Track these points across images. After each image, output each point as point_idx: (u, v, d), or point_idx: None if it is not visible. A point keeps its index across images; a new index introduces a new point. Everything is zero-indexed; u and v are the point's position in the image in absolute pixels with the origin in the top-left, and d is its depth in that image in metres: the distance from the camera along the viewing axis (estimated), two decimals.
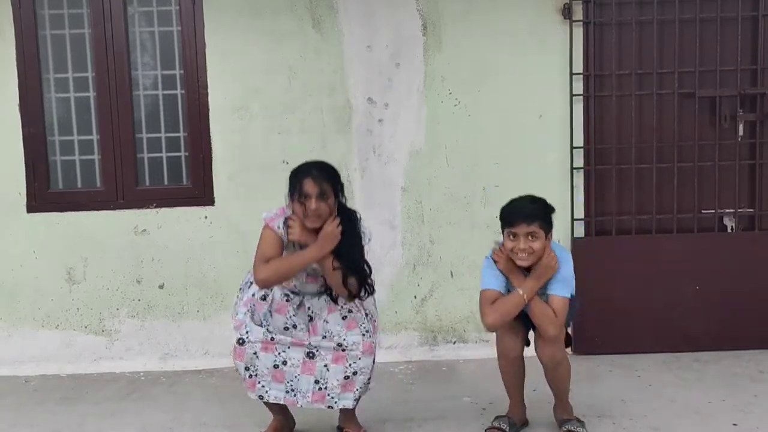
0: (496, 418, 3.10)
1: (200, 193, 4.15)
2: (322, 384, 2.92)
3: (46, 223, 4.14)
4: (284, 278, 2.92)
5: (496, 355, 3.06)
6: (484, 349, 3.95)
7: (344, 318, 2.98)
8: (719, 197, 4.14)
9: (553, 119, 4.10)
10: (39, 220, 4.14)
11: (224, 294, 4.14)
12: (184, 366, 4.15)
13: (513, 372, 3.04)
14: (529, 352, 3.01)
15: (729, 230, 4.20)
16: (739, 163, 4.12)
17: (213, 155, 4.13)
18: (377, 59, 4.10)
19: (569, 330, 3.01)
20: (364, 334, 2.95)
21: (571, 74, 4.04)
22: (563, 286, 2.90)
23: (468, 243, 4.12)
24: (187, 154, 4.18)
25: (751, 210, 4.18)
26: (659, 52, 4.09)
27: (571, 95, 4.05)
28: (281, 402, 2.97)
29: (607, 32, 4.10)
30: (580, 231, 4.13)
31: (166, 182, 4.20)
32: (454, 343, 4.23)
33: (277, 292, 2.99)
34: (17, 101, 4.09)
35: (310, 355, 2.94)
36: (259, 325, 2.94)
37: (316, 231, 2.88)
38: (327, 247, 2.85)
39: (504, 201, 2.99)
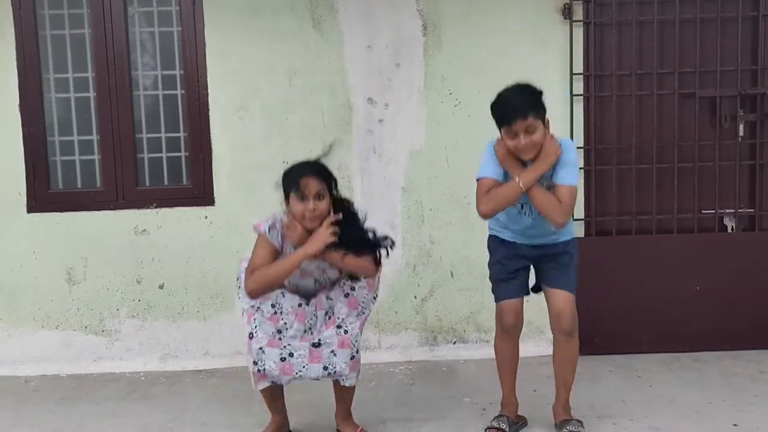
0: (496, 417, 3.10)
1: (200, 193, 4.15)
2: (331, 369, 2.93)
3: (46, 223, 4.14)
4: (274, 285, 2.89)
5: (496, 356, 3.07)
6: (484, 350, 3.95)
7: (347, 296, 2.99)
8: (719, 197, 4.14)
9: (553, 119, 4.06)
10: (39, 220, 4.14)
11: (224, 294, 4.14)
12: (184, 366, 4.15)
13: (509, 352, 3.04)
14: (530, 351, 3.01)
15: (729, 230, 4.20)
16: (739, 163, 4.12)
17: (213, 155, 4.13)
18: (377, 59, 4.10)
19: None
20: (358, 315, 3.00)
21: (572, 74, 4.04)
22: (568, 172, 2.81)
23: (468, 243, 4.11)
24: (187, 154, 4.18)
25: (752, 210, 4.18)
26: (659, 52, 4.09)
27: (572, 95, 4.06)
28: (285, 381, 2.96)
29: (607, 32, 4.11)
30: (580, 231, 4.13)
31: (166, 182, 4.20)
32: (454, 343, 4.23)
33: (286, 304, 2.94)
34: (17, 101, 4.09)
35: (316, 344, 2.93)
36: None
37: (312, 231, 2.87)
38: (314, 247, 2.82)
39: None
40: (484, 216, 2.87)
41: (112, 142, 4.14)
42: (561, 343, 2.98)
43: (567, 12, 4.04)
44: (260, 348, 2.89)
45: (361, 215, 2.98)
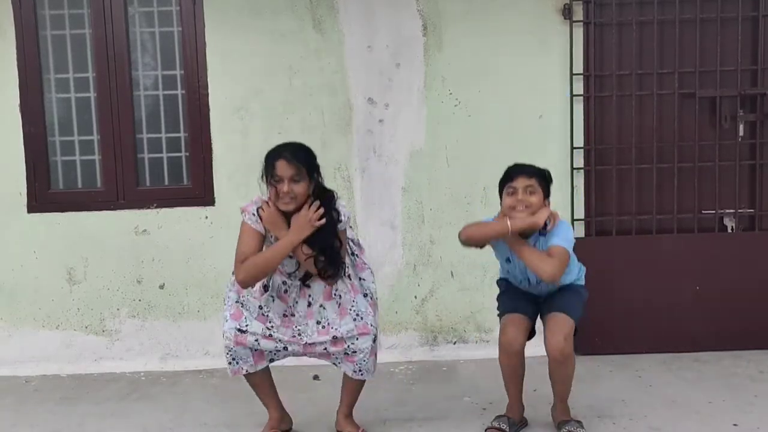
0: (496, 417, 3.09)
1: (200, 193, 4.15)
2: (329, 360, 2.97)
3: (47, 223, 4.15)
4: (264, 273, 2.85)
5: (496, 356, 3.05)
6: (484, 350, 3.95)
7: (339, 305, 2.96)
8: (719, 197, 4.14)
9: (553, 119, 4.10)
10: (39, 220, 4.15)
11: (224, 294, 4.13)
12: (184, 366, 4.15)
13: (513, 367, 3.01)
14: (530, 351, 3.01)
15: (729, 230, 4.20)
16: (739, 163, 4.12)
17: (213, 155, 4.14)
18: (377, 59, 4.10)
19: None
20: (355, 318, 2.93)
21: (572, 74, 4.04)
22: (561, 240, 2.87)
23: None
24: (187, 154, 4.18)
25: (752, 210, 4.18)
26: (659, 52, 4.09)
27: (572, 95, 4.05)
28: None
29: (607, 32, 4.11)
30: (580, 231, 4.13)
31: (166, 182, 4.21)
32: (455, 343, 4.23)
33: (277, 279, 2.95)
34: (18, 101, 4.09)
35: (308, 346, 2.96)
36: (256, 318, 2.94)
37: (291, 214, 2.82)
38: (303, 234, 2.77)
39: None
40: (460, 235, 2.97)
41: (113, 142, 4.14)
42: (552, 365, 2.94)
43: (567, 12, 4.04)
44: (255, 340, 2.90)
45: (342, 216, 2.87)
